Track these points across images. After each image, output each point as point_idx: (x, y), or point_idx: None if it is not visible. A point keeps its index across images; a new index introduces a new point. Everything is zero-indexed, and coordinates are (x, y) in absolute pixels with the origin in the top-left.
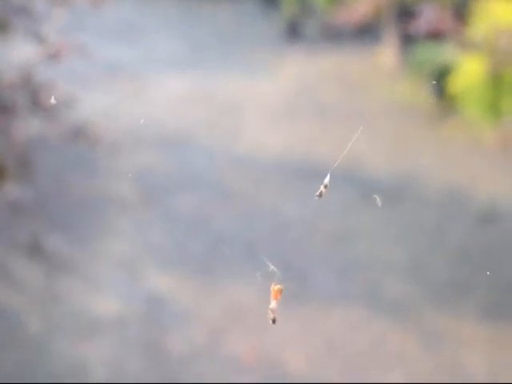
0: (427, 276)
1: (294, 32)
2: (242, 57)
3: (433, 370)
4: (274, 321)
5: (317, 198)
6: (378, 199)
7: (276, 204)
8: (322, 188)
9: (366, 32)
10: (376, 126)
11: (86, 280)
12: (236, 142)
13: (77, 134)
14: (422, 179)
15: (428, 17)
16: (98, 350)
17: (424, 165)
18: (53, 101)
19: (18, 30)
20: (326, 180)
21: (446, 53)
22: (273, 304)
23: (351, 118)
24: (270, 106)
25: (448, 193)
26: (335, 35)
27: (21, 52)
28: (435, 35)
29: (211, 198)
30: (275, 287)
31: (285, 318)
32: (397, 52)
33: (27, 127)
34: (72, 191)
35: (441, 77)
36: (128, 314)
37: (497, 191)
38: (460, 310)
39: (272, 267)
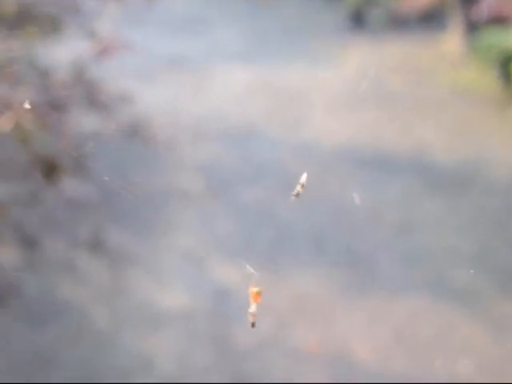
0: (494, 264)
1: (358, 21)
2: (305, 47)
3: (502, 359)
4: (253, 325)
5: (293, 198)
6: (356, 197)
7: (340, 193)
8: (298, 188)
9: (431, 19)
10: (441, 113)
11: (151, 273)
12: (300, 131)
13: (137, 129)
14: (488, 166)
15: (489, 2)
16: (163, 343)
17: (490, 152)
18: (109, 97)
19: (71, 27)
20: (303, 179)
21: (511, 38)
22: (252, 307)
23: (416, 106)
24: (334, 95)
25: None
26: (400, 23)
27: (74, 49)
28: (498, 20)
29: (275, 188)
30: (254, 290)
31: (350, 307)
32: (462, 39)
33: (84, 124)
34: (135, 186)
35: (507, 62)
36: (194, 307)
37: None
38: None
39: (249, 268)
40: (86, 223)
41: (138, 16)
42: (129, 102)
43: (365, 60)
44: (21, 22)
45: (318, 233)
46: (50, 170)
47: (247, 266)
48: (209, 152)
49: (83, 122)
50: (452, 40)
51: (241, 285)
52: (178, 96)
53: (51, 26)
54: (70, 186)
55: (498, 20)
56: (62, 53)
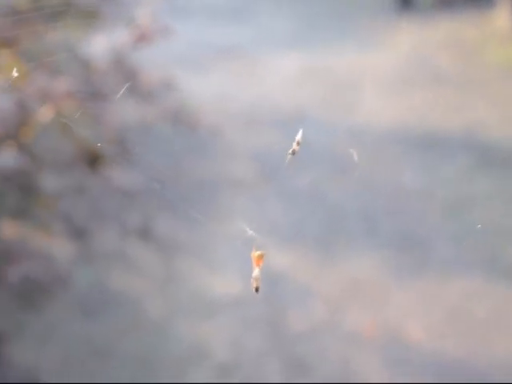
0: None
1: (405, 3)
2: (354, 31)
3: None
4: (257, 289)
5: (289, 155)
6: (354, 153)
7: (392, 175)
8: (294, 145)
9: None
10: (492, 92)
11: (203, 261)
12: (351, 115)
13: (184, 116)
14: None
15: None
16: (218, 329)
17: None
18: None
19: (111, 16)
20: (299, 136)
21: None
22: (256, 272)
23: (467, 85)
24: (384, 77)
25: None
26: (447, 3)
27: (115, 38)
28: None
29: (328, 173)
30: (256, 253)
31: (403, 289)
32: (511, 15)
33: (128, 113)
34: (185, 174)
35: None
36: (247, 293)
37: None
38: None
39: (251, 232)
40: (135, 212)
41: (180, 4)
42: (175, 89)
43: (413, 41)
44: (60, 12)
45: (371, 215)
46: (94, 159)
47: (247, 230)
48: (260, 138)
49: (128, 110)
50: (501, 17)
51: (294, 269)
52: (226, 83)
53: (91, 15)
54: (117, 175)
55: None
56: (103, 42)
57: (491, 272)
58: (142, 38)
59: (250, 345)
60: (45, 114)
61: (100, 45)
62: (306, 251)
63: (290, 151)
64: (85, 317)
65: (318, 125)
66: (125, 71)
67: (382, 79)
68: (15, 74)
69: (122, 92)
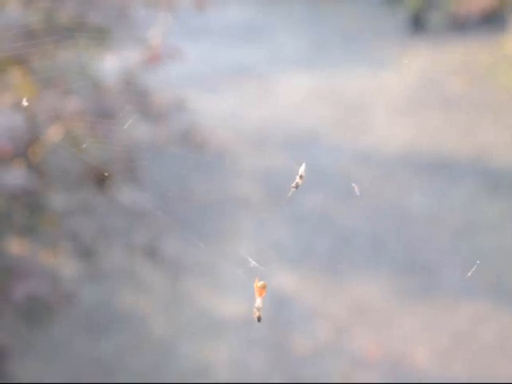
0: None
1: (417, 24)
2: (365, 52)
3: None
4: (259, 319)
5: (293, 189)
6: (355, 188)
7: (401, 198)
8: (297, 179)
9: (491, 21)
10: (504, 116)
11: (209, 282)
12: (360, 138)
13: (192, 138)
14: None
15: None
16: (222, 350)
17: None
18: (164, 105)
19: (122, 36)
20: (301, 170)
21: None
22: (258, 302)
23: (477, 109)
24: (394, 99)
25: None
26: (459, 26)
27: (126, 59)
28: None
29: (336, 195)
30: (258, 283)
31: (410, 312)
32: None
33: (139, 133)
34: (193, 194)
35: None
36: (252, 314)
37: None
38: None
39: (253, 263)
40: (142, 232)
41: (190, 25)
42: (186, 109)
43: (425, 63)
44: (72, 31)
45: (378, 239)
46: (102, 179)
47: (249, 260)
48: (269, 159)
49: (139, 130)
50: None
51: (299, 292)
52: (237, 104)
53: (103, 35)
54: (125, 194)
55: None
56: (114, 62)
57: (499, 298)
58: (154, 59)
59: (253, 366)
60: (54, 133)
61: (111, 65)
62: (313, 274)
63: (294, 184)
64: (90, 335)
65: (327, 147)
66: (135, 92)
67: (392, 102)
68: (26, 92)
69: (132, 113)
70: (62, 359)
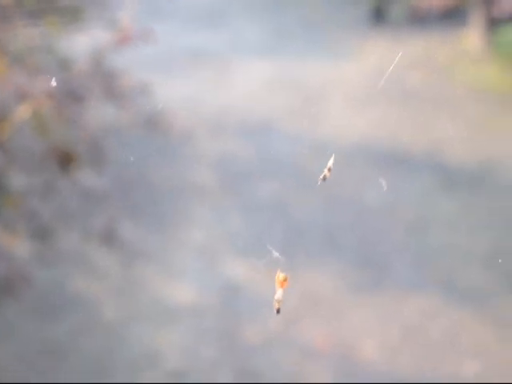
0: (507, 266)
1: (378, 17)
2: (325, 42)
3: (510, 360)
4: (278, 311)
5: (320, 181)
6: (383, 183)
7: (356, 191)
8: (325, 171)
9: (452, 16)
10: (460, 111)
11: (162, 268)
12: (318, 127)
13: (154, 121)
14: (506, 166)
15: None
16: (173, 337)
17: (508, 151)
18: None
19: (92, 17)
20: (330, 162)
21: None
22: (278, 293)
23: (435, 103)
24: (353, 91)
25: None
26: (420, 20)
27: (95, 40)
28: None
29: (291, 185)
30: (280, 275)
31: (361, 305)
32: (483, 35)
33: (103, 114)
34: (150, 179)
35: None
36: (204, 302)
37: None
38: None
39: (276, 254)
40: (100, 215)
41: (158, 8)
42: (148, 93)
43: (384, 56)
44: (41, 11)
45: (333, 230)
46: (66, 160)
47: (273, 251)
48: (226, 146)
49: (102, 112)
50: (473, 36)
51: (251, 282)
52: (196, 89)
53: (72, 15)
54: (86, 177)
55: None
56: (83, 43)
57: (448, 293)
58: (124, 41)
59: (203, 353)
60: (22, 112)
61: (80, 45)
62: (265, 263)
63: (322, 176)
64: (44, 316)
65: (285, 136)
66: (103, 74)
67: (351, 93)
68: None
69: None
70: (16, 340)
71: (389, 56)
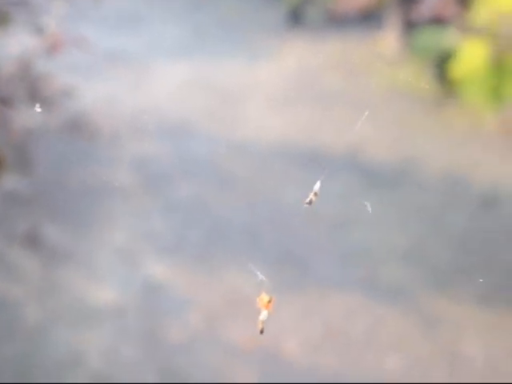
0: (428, 261)
1: (296, 18)
2: (243, 44)
3: (431, 355)
4: (261, 331)
5: (306, 205)
6: (368, 206)
7: (276, 191)
8: (311, 196)
9: (369, 18)
10: (378, 112)
11: (85, 269)
12: (237, 129)
13: (77, 124)
14: (424, 164)
15: (430, 2)
16: (95, 338)
17: (426, 150)
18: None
19: (18, 22)
20: (316, 187)
21: (448, 38)
22: (263, 315)
23: (353, 104)
24: (272, 92)
25: (450, 178)
26: (338, 21)
27: (21, 44)
28: (438, 21)
29: (211, 185)
30: (265, 297)
31: (284, 304)
32: (399, 37)
33: (27, 119)
34: (72, 181)
35: (443, 62)
36: (126, 303)
37: (498, 176)
38: (460, 295)
39: (261, 276)
40: (23, 218)
41: (82, 12)
42: (72, 96)
43: (303, 58)
44: None
45: (254, 230)
46: None
47: (258, 274)
48: (146, 148)
49: (28, 116)
50: (389, 39)
51: (172, 281)
52: (117, 91)
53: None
54: (10, 180)
55: (437, 20)
56: (10, 47)
57: (370, 291)
58: (54, 47)
59: (126, 354)
60: None
61: (7, 50)
62: (187, 263)
63: (307, 200)
64: None
65: (203, 137)
66: (29, 78)
67: (269, 94)
68: None
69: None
70: None
71: (306, 58)
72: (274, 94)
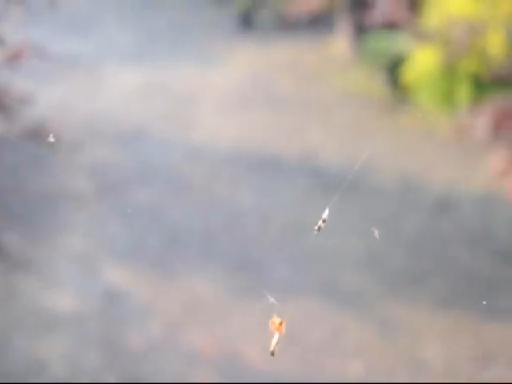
0: (382, 266)
1: (247, 23)
2: (195, 48)
3: (390, 359)
4: (272, 353)
5: (315, 232)
6: (375, 232)
7: (231, 195)
8: (320, 223)
9: (320, 22)
10: (330, 116)
11: (43, 276)
12: (190, 133)
13: (35, 131)
14: (377, 168)
15: (383, 7)
16: (55, 346)
17: (378, 154)
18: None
19: None
20: (325, 214)
21: (399, 43)
22: (275, 338)
23: (305, 108)
24: (224, 96)
25: (403, 182)
26: (289, 25)
27: None
28: (389, 25)
29: (167, 190)
30: (276, 320)
31: (242, 309)
32: (350, 42)
33: None
34: (29, 188)
35: (394, 67)
36: (85, 309)
37: (451, 180)
38: (416, 299)
39: (272, 300)
40: None
41: (37, 16)
42: (29, 103)
43: (254, 62)
44: None
45: (209, 236)
46: None
47: (269, 297)
48: (102, 153)
49: None
50: (341, 43)
51: (132, 287)
52: (67, 97)
53: None
54: None
55: (389, 25)
56: None
57: (327, 295)
58: (14, 57)
59: (87, 361)
60: None
61: None
62: (144, 268)
63: (317, 227)
64: None
65: (157, 142)
66: None
67: (222, 98)
68: None
69: None
70: None
71: (258, 61)
72: (227, 98)
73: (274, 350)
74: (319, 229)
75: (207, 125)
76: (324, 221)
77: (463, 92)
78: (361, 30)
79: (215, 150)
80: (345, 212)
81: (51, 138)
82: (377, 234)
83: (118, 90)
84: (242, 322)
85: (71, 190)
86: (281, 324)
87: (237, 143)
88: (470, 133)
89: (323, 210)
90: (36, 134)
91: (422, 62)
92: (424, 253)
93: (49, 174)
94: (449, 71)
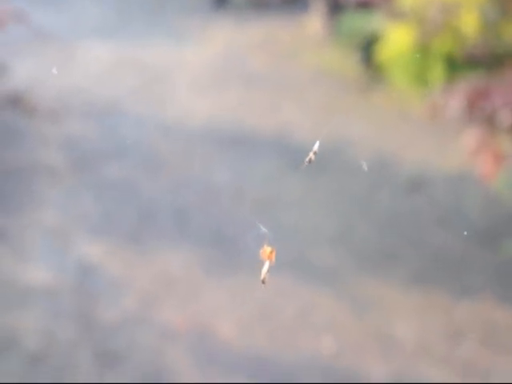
0: (355, 244)
1: (222, 2)
2: (168, 25)
3: (362, 335)
4: (263, 281)
5: (306, 164)
6: (364, 164)
7: (204, 172)
8: (311, 154)
9: (295, 1)
10: (304, 95)
11: (15, 250)
12: (164, 110)
13: (7, 101)
14: (350, 148)
15: None
16: (28, 319)
17: (352, 133)
18: None
19: None
20: (316, 147)
21: (374, 22)
22: (266, 266)
23: (279, 87)
24: (198, 74)
25: (376, 161)
26: (264, 5)
27: None
28: (364, 5)
29: (140, 166)
30: (267, 249)
31: (215, 285)
32: (325, 21)
33: None
34: (2, 162)
35: (369, 46)
36: (58, 283)
37: (424, 158)
38: (388, 277)
39: (263, 229)
40: None
41: None
42: (2, 74)
43: (228, 40)
44: None
45: (183, 211)
46: None
47: (260, 226)
48: (73, 128)
49: None
50: (315, 22)
51: (105, 261)
52: (39, 71)
53: None
54: None
55: (363, 4)
56: None
57: (300, 272)
58: None
59: (61, 335)
60: None
61: None
62: (118, 243)
63: (307, 159)
64: None
65: (130, 118)
66: None
67: (195, 76)
68: None
69: None
70: None
71: (232, 41)
72: (201, 75)
73: (264, 278)
74: (310, 161)
75: (181, 101)
76: (315, 153)
77: (437, 71)
78: (336, 10)
79: (189, 126)
80: (317, 190)
81: (27, 110)
82: (365, 166)
83: (91, 65)
84: (215, 298)
85: (42, 164)
86: (271, 252)
87: (211, 120)
88: (443, 112)
89: (297, 187)
90: (9, 105)
91: (396, 41)
92: (397, 230)
93: (19, 148)
94: (423, 50)
